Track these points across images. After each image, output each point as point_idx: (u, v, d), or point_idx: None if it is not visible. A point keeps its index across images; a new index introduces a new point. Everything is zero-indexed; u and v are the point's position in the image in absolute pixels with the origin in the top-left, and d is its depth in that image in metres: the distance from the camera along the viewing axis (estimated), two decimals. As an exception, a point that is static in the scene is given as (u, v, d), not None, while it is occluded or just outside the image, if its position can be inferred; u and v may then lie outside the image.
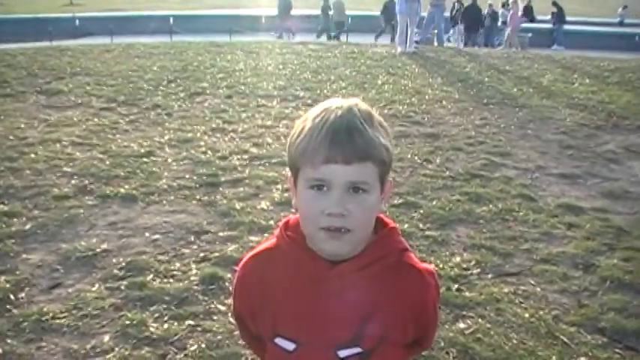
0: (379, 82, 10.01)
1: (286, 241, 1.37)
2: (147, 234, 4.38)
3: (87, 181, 5.38)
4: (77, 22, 26.07)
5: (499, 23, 25.64)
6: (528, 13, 30.22)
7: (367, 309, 1.34)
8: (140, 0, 34.59)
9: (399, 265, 1.35)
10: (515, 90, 9.93)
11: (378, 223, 1.36)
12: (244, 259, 1.47)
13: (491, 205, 5.09)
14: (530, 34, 24.02)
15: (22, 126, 7.13)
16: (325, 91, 9.11)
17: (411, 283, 1.36)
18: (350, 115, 1.24)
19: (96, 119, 7.52)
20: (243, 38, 17.40)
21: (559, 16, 27.02)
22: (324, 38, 22.00)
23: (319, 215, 1.24)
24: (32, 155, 6.05)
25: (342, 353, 1.34)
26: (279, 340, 1.38)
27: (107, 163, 5.88)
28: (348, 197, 1.22)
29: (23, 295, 3.56)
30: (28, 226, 4.48)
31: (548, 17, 28.80)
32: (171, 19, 25.09)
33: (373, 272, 1.32)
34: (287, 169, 1.31)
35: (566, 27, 26.94)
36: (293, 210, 1.29)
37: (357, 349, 1.34)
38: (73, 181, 5.37)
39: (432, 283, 1.40)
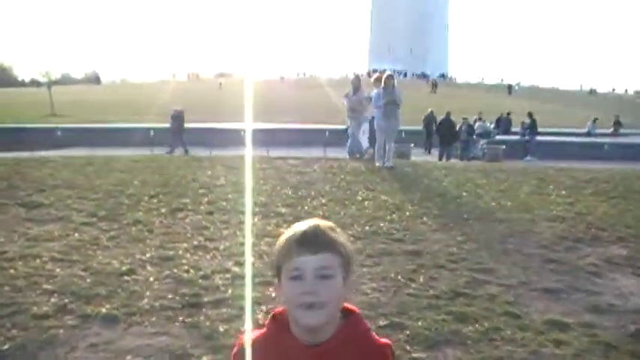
0: (359, 198, 10.10)
1: (274, 325, 1.76)
2: (128, 357, 4.27)
3: (67, 300, 5.28)
4: (59, 132, 26.34)
5: (474, 136, 26.39)
6: (503, 125, 31.19)
7: None
8: (121, 112, 35.08)
9: (365, 343, 1.74)
10: (493, 204, 10.07)
11: (345, 311, 1.75)
12: (237, 347, 1.80)
13: (477, 325, 5.06)
14: (504, 146, 24.67)
15: (2, 240, 7.07)
16: (306, 208, 9.14)
17: (374, 357, 1.73)
18: (315, 223, 1.72)
19: (77, 234, 7.47)
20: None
21: (532, 128, 27.93)
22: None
23: (297, 297, 1.64)
24: (12, 271, 5.96)
25: None
26: None
27: (88, 280, 5.80)
28: (317, 282, 1.64)
29: None
30: (6, 346, 4.36)
31: (519, 129, 29.78)
32: (152, 132, 25.49)
33: (345, 351, 1.68)
34: (271, 288, 1.62)
35: (539, 138, 27.82)
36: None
37: None
38: (52, 300, 5.28)
39: (388, 353, 1.76)
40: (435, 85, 68.17)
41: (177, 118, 24.70)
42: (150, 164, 12.98)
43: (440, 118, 25.81)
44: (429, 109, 28.87)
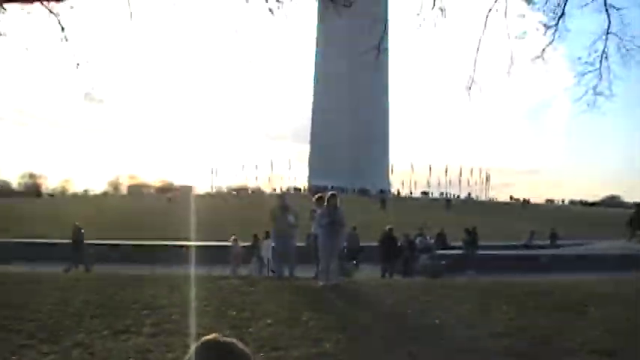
0: (304, 318, 10.02)
1: None
2: None
3: None
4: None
5: (415, 252, 26.73)
6: (442, 241, 31.73)
7: None
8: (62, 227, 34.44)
9: None
10: (437, 321, 10.09)
11: None
12: None
13: None
14: (444, 262, 25.07)
15: None
16: (251, 329, 8.97)
17: None
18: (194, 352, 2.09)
19: (14, 357, 7.25)
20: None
21: (472, 242, 28.55)
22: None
23: None
24: (-55, 401, 5.75)
25: None
26: None
27: (26, 410, 5.63)
28: None
29: None
30: None
31: (460, 243, 30.32)
32: (93, 249, 25.17)
33: None
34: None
35: (479, 252, 28.40)
36: None
37: None
38: None
39: None
40: (383, 202, 69.24)
41: (76, 234, 24.75)
42: (91, 283, 12.76)
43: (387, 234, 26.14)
44: (387, 227, 28.55)
